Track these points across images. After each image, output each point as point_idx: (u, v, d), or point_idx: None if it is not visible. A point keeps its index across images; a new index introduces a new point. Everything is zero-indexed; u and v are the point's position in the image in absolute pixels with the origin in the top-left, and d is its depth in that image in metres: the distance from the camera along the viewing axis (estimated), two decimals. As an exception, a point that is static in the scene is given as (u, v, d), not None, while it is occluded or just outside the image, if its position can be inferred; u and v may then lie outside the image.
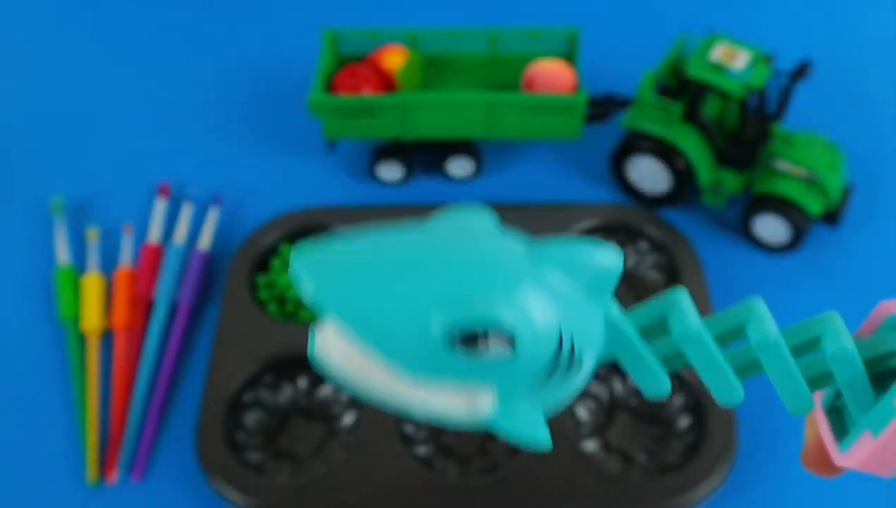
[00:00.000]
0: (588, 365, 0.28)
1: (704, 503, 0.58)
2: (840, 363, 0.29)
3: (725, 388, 0.30)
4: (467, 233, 0.27)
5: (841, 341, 0.29)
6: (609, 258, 0.27)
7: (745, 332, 0.29)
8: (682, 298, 0.29)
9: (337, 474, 0.59)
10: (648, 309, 0.29)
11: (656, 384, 0.30)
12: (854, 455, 0.29)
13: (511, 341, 0.25)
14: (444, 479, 0.59)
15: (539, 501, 0.58)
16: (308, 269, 0.25)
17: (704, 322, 0.29)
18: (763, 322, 0.29)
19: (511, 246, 0.26)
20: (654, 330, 0.29)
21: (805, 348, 0.30)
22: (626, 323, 0.28)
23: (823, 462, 0.33)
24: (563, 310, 0.26)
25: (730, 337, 0.30)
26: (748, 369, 0.30)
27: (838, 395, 0.32)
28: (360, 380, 0.26)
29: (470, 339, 0.25)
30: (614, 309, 0.28)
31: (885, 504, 0.60)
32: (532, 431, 0.27)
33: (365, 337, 0.25)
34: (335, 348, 0.26)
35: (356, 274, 0.25)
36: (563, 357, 0.26)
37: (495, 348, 0.25)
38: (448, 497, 0.58)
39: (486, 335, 0.25)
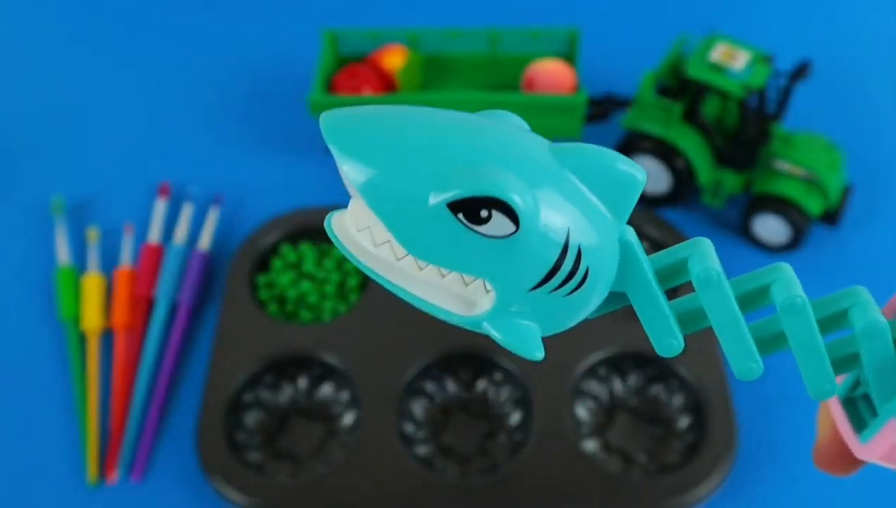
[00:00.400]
0: (596, 287, 0.26)
1: (704, 503, 0.58)
2: (870, 338, 0.27)
3: (744, 351, 0.28)
4: (495, 122, 0.27)
5: (871, 314, 0.27)
6: (632, 168, 0.26)
7: (769, 296, 0.27)
8: (705, 244, 0.28)
9: (337, 474, 0.59)
10: (668, 252, 0.28)
11: (668, 336, 0.28)
12: (877, 447, 0.28)
13: (514, 221, 0.24)
14: (444, 479, 0.59)
15: (539, 501, 0.58)
16: (333, 120, 0.25)
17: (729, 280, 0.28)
18: (790, 284, 0.27)
19: (536, 141, 0.26)
20: (673, 277, 0.28)
21: (830, 323, 0.28)
22: (642, 253, 0.27)
23: (838, 459, 0.31)
24: (575, 216, 0.25)
25: (753, 302, 0.28)
26: (771, 343, 0.29)
27: (855, 385, 0.30)
28: (368, 264, 0.27)
29: (473, 213, 0.24)
30: (631, 233, 0.27)
31: (886, 504, 0.60)
32: (523, 341, 0.26)
33: (371, 196, 0.25)
34: (347, 233, 0.27)
35: (376, 127, 0.25)
36: (566, 266, 0.25)
37: (497, 225, 0.24)
38: (448, 497, 0.58)
39: (489, 212, 0.24)
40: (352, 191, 0.26)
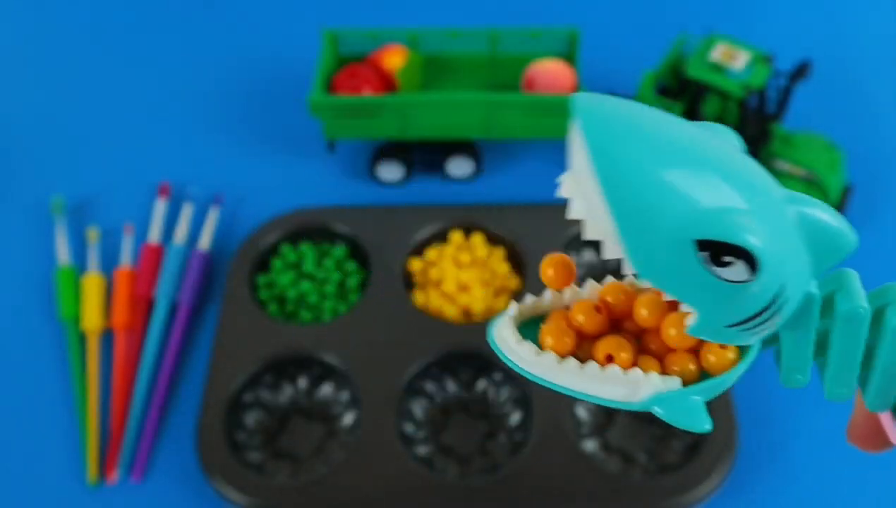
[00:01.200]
0: (774, 327, 0.27)
1: (704, 503, 0.58)
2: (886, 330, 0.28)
3: (804, 364, 0.29)
4: (729, 146, 0.27)
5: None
6: (850, 232, 0.26)
7: (832, 303, 0.28)
8: (852, 277, 0.28)
9: (337, 474, 0.59)
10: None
11: (799, 373, 0.30)
12: None
13: (753, 272, 0.24)
14: (444, 479, 0.59)
15: (539, 501, 0.58)
16: (591, 104, 0.24)
17: None
18: (855, 294, 0.27)
19: (771, 182, 0.26)
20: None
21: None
22: (818, 305, 0.27)
23: (871, 437, 0.32)
24: (794, 269, 0.26)
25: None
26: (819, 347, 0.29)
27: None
28: (530, 370, 0.28)
29: (714, 253, 0.24)
30: (814, 285, 0.27)
31: (886, 503, 0.60)
32: (691, 415, 0.28)
33: (617, 202, 0.24)
34: (506, 343, 0.29)
35: (637, 129, 0.24)
36: (769, 311, 0.26)
37: (735, 272, 0.25)
38: (448, 497, 0.58)
39: (733, 259, 0.24)
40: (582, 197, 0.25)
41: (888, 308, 0.28)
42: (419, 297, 0.69)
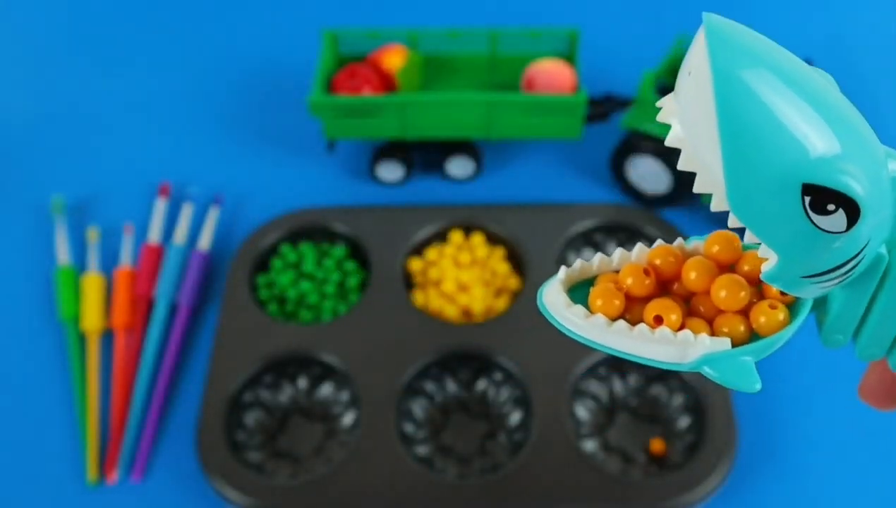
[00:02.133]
0: (843, 282, 0.27)
1: (704, 503, 0.58)
2: None
3: (884, 339, 0.29)
4: (847, 101, 0.26)
5: None
6: None
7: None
8: None
9: (337, 474, 0.59)
10: None
11: (841, 333, 0.29)
12: None
13: (849, 225, 0.24)
14: (444, 479, 0.59)
15: (539, 501, 0.58)
16: (723, 27, 0.24)
17: None
18: None
19: (874, 137, 0.26)
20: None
21: None
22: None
23: (885, 396, 0.32)
24: (882, 225, 0.25)
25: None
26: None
27: None
28: (580, 333, 0.29)
29: (818, 200, 0.24)
30: (884, 246, 0.27)
31: (886, 503, 0.60)
32: (741, 376, 0.27)
33: (733, 124, 0.23)
34: (556, 307, 0.29)
35: (768, 62, 0.24)
36: (850, 265, 0.26)
37: (832, 222, 0.24)
38: (448, 497, 0.58)
39: (836, 209, 0.24)
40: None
41: None
42: (419, 297, 0.69)
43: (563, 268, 0.30)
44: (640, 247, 0.31)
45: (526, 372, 0.63)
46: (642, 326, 0.28)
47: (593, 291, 0.29)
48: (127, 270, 0.71)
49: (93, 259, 0.72)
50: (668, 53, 0.74)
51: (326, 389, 0.65)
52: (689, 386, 0.63)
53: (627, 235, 0.73)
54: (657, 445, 0.62)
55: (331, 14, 0.96)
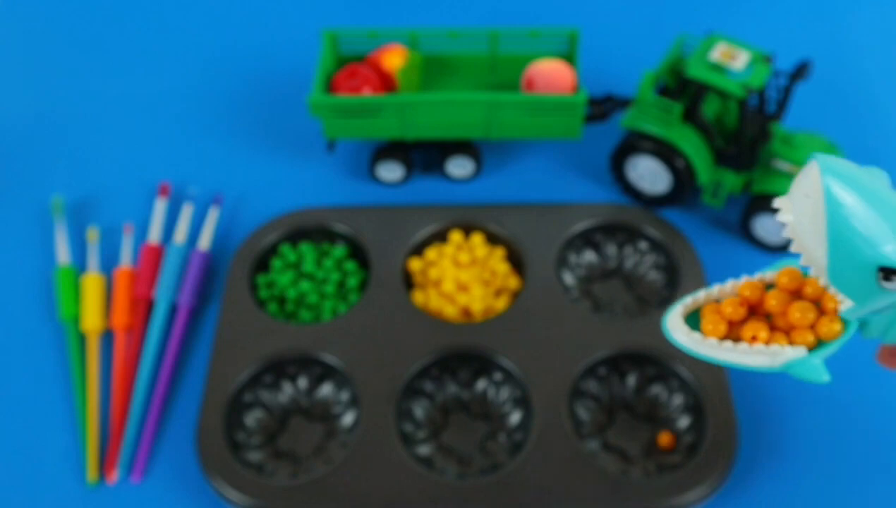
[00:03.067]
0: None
1: (704, 503, 0.58)
2: None
3: None
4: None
5: None
6: None
7: None
8: None
9: (337, 474, 0.59)
10: None
11: (884, 336, 0.41)
12: None
13: None
14: (443, 479, 0.59)
15: (539, 501, 0.58)
16: (832, 164, 0.36)
17: None
18: None
19: None
20: None
21: None
22: None
23: None
24: None
25: None
26: None
27: None
28: (699, 349, 0.41)
29: (887, 274, 0.36)
30: None
31: (885, 503, 0.60)
32: (817, 373, 0.40)
33: (836, 230, 0.36)
34: (679, 331, 0.42)
35: (860, 189, 0.36)
36: None
37: (893, 285, 0.37)
38: (448, 497, 0.58)
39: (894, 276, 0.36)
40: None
41: None
42: (419, 297, 0.69)
43: (680, 304, 0.43)
44: (731, 281, 0.43)
45: (526, 372, 0.63)
46: (743, 344, 0.40)
47: (704, 321, 0.42)
48: (127, 270, 0.71)
49: (93, 259, 0.72)
50: (667, 54, 0.74)
51: (326, 389, 0.65)
52: (689, 387, 0.63)
53: (627, 235, 0.73)
54: (665, 438, 0.62)
55: (331, 14, 0.96)
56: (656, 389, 0.64)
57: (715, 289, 0.43)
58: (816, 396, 0.65)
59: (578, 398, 0.64)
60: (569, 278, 0.72)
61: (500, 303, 0.69)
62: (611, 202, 0.75)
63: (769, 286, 0.43)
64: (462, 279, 0.69)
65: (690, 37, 0.74)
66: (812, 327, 0.41)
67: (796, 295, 0.41)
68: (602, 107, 0.78)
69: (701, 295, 0.43)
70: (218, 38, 0.94)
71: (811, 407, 0.65)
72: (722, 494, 0.60)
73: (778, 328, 0.41)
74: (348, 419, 0.63)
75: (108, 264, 0.73)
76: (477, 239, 0.72)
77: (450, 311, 0.68)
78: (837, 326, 0.40)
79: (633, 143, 0.73)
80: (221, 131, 0.85)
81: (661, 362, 0.64)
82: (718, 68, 0.69)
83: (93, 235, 0.74)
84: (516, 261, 0.71)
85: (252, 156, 0.83)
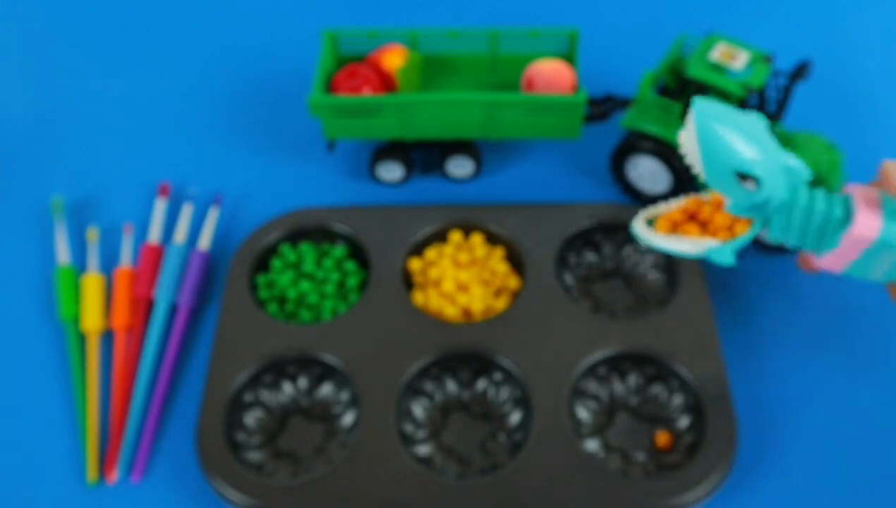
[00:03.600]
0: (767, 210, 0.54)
1: (704, 502, 0.58)
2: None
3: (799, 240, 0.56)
4: (764, 129, 0.53)
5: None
6: (805, 169, 0.53)
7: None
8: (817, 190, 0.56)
9: (337, 474, 0.59)
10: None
11: (785, 239, 0.56)
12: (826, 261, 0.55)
13: (758, 186, 0.53)
14: (444, 479, 0.59)
15: (539, 501, 0.58)
16: (702, 105, 0.52)
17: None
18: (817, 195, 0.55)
19: (777, 146, 0.53)
20: None
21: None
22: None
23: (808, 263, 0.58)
24: (778, 185, 0.53)
25: None
26: None
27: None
28: (652, 240, 0.57)
29: (743, 176, 0.52)
30: (789, 193, 0.54)
31: (884, 502, 0.60)
32: (726, 256, 0.56)
33: (704, 146, 0.52)
34: (640, 230, 0.58)
35: (721, 119, 0.52)
36: (767, 203, 0.53)
37: (751, 185, 0.53)
38: (448, 497, 0.58)
39: (750, 178, 0.53)
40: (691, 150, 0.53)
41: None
42: (419, 297, 0.69)
43: (643, 211, 0.59)
44: (676, 200, 0.58)
45: (526, 372, 0.63)
46: (680, 236, 0.57)
47: (657, 223, 0.59)
48: (127, 270, 0.72)
49: (93, 259, 0.72)
50: (667, 53, 0.74)
51: (326, 389, 0.65)
52: (689, 386, 0.63)
53: (627, 235, 0.73)
54: (663, 438, 0.62)
55: (331, 14, 0.96)
56: (656, 389, 0.64)
57: (670, 204, 0.58)
58: (816, 396, 0.65)
59: (578, 398, 0.64)
60: (569, 278, 0.72)
61: (500, 303, 0.69)
62: (611, 202, 0.75)
63: (704, 203, 0.58)
64: (462, 279, 0.69)
65: (690, 37, 0.74)
66: (730, 228, 0.56)
67: (718, 208, 0.57)
68: (602, 107, 0.78)
69: (660, 207, 0.58)
70: (218, 39, 0.94)
71: (810, 408, 0.65)
72: (722, 494, 0.60)
73: (707, 230, 0.57)
74: (348, 419, 0.64)
75: (109, 264, 0.74)
76: (477, 239, 0.72)
77: (450, 311, 0.68)
78: (745, 228, 0.56)
79: (632, 143, 0.74)
80: (221, 131, 0.85)
81: (661, 362, 0.64)
82: (718, 68, 0.69)
83: (93, 235, 0.74)
84: (516, 261, 0.71)
85: (252, 156, 0.83)
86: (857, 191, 0.54)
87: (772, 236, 0.55)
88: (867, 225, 0.52)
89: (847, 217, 0.54)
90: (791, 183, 0.53)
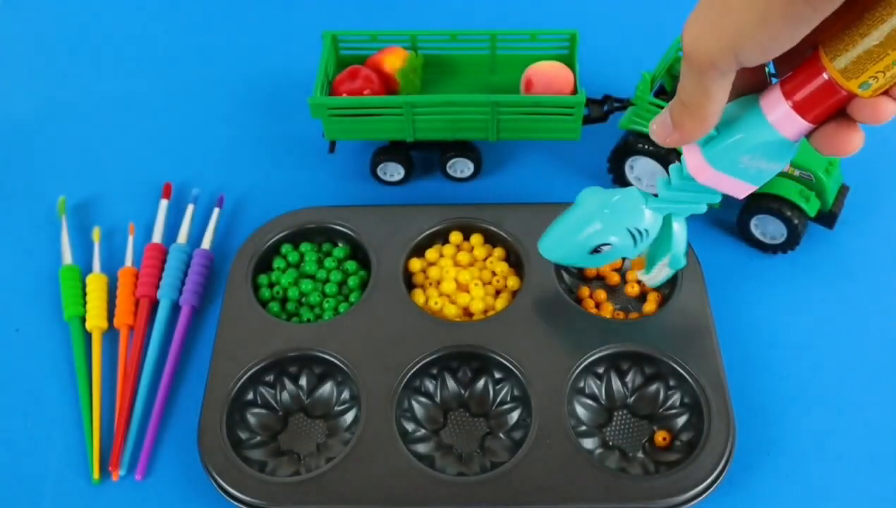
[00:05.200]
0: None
1: (703, 501, 0.59)
2: None
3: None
4: (604, 199, 0.59)
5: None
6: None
7: None
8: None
9: (337, 472, 0.59)
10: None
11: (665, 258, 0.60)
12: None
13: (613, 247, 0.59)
14: (443, 478, 0.60)
15: (539, 500, 0.58)
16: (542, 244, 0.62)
17: None
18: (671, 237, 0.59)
19: (630, 204, 0.58)
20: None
21: None
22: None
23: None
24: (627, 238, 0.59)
25: None
26: None
27: None
28: (659, 279, 0.63)
29: (596, 249, 0.59)
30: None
31: (883, 502, 0.61)
32: (679, 264, 0.61)
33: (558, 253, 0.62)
34: (646, 278, 0.63)
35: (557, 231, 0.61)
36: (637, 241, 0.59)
37: (607, 249, 0.59)
38: (448, 495, 0.58)
39: (602, 247, 0.59)
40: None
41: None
42: (419, 297, 0.70)
43: (640, 273, 0.65)
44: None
45: (525, 370, 0.63)
46: (660, 267, 0.62)
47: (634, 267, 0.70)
48: (131, 270, 0.72)
49: (97, 259, 0.73)
50: (665, 55, 0.75)
51: (327, 388, 0.66)
52: (688, 385, 0.63)
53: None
54: (659, 437, 0.62)
55: (332, 17, 0.97)
56: (655, 388, 0.65)
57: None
58: (814, 394, 0.66)
59: (577, 396, 0.64)
60: (568, 277, 0.72)
61: (500, 303, 0.69)
62: (609, 202, 0.75)
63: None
64: (462, 279, 0.70)
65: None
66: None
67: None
68: (601, 109, 0.79)
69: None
70: (221, 41, 0.95)
71: (808, 406, 0.65)
72: (719, 492, 0.60)
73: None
74: (349, 417, 0.64)
75: (113, 264, 0.74)
76: (477, 239, 0.73)
77: (450, 311, 0.68)
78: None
79: (630, 144, 0.74)
80: (224, 132, 0.86)
81: (659, 361, 0.64)
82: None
83: (97, 235, 0.74)
84: (516, 261, 0.72)
85: (254, 156, 0.83)
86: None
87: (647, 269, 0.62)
88: (690, 161, 0.50)
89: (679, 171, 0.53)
90: (632, 218, 0.57)
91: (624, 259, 0.70)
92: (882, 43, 0.38)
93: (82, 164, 0.83)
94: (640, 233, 0.57)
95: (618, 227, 0.57)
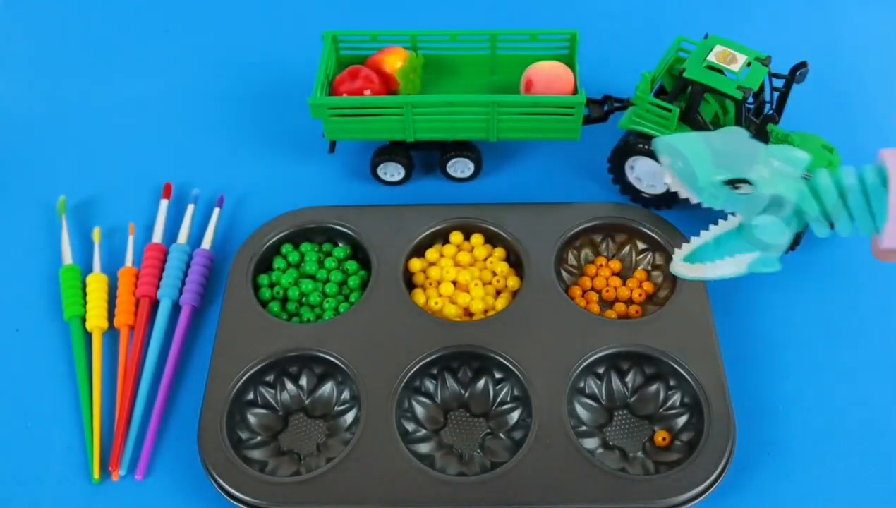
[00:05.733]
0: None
1: (702, 501, 0.59)
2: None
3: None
4: (743, 139, 0.54)
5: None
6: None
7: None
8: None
9: (338, 471, 0.59)
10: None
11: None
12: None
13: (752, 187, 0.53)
14: (444, 478, 0.60)
15: (539, 499, 0.58)
16: (663, 140, 0.54)
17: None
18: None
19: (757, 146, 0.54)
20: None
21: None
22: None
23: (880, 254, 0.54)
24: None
25: None
26: None
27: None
28: (694, 272, 0.57)
29: (734, 183, 0.53)
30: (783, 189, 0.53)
31: (882, 501, 0.61)
32: (772, 266, 0.56)
33: (680, 173, 0.54)
34: (681, 265, 0.58)
35: (688, 141, 0.54)
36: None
37: (746, 188, 0.53)
38: (448, 494, 0.58)
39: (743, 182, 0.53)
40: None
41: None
42: (419, 297, 0.70)
43: (679, 251, 0.58)
44: (710, 228, 0.57)
45: (525, 370, 0.64)
46: (719, 262, 0.56)
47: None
48: (131, 270, 0.72)
49: (97, 259, 0.73)
50: (665, 55, 0.75)
51: (328, 388, 0.66)
52: (688, 385, 0.63)
53: (627, 235, 0.73)
54: (659, 436, 0.62)
55: (332, 17, 0.97)
56: (655, 388, 0.65)
57: (699, 238, 0.58)
58: (813, 395, 0.66)
59: (578, 396, 0.64)
60: (568, 278, 0.72)
61: (500, 303, 0.69)
62: (610, 202, 0.76)
63: None
64: (462, 279, 0.70)
65: (688, 39, 0.75)
66: None
67: None
68: (601, 109, 0.79)
69: (692, 242, 0.58)
70: (221, 41, 0.95)
71: (808, 406, 0.65)
72: (719, 492, 0.60)
73: None
74: (349, 417, 0.64)
75: (113, 264, 0.74)
76: (477, 239, 0.73)
77: (450, 311, 0.68)
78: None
79: (631, 144, 0.74)
80: (224, 133, 0.86)
81: (659, 361, 0.64)
82: (716, 70, 0.69)
83: (97, 235, 0.74)
84: (516, 261, 0.72)
85: (254, 157, 0.83)
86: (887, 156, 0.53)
87: (824, 231, 0.54)
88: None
89: (884, 181, 0.51)
90: (786, 175, 0.52)
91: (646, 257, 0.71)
92: None
93: (82, 164, 0.83)
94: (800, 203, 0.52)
95: (785, 183, 0.52)
